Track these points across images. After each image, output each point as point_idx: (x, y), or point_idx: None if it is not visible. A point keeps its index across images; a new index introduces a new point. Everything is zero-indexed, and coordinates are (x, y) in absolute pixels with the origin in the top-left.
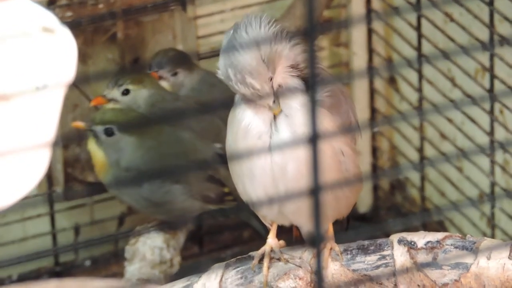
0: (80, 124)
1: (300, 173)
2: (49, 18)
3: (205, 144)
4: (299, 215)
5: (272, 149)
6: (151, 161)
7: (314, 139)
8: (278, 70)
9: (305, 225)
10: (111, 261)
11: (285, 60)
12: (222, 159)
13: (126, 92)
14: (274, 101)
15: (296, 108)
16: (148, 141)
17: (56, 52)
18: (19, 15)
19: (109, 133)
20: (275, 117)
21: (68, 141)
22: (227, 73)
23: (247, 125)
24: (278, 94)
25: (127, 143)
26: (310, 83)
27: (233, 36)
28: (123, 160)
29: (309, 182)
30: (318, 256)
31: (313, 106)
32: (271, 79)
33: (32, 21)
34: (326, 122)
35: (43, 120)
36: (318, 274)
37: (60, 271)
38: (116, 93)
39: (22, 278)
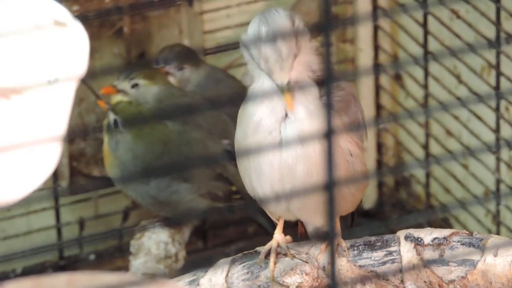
0: (103, 104)
1: (309, 172)
2: (61, 12)
3: (215, 141)
4: (305, 211)
5: (283, 146)
6: (143, 160)
7: (329, 135)
8: (299, 60)
9: (311, 221)
10: (115, 256)
11: (305, 55)
12: (231, 155)
13: (135, 86)
14: (288, 83)
15: (308, 109)
16: (145, 141)
17: (68, 45)
18: (31, 8)
19: (115, 124)
20: (287, 115)
21: (74, 135)
22: (259, 31)
23: (259, 120)
24: (293, 88)
25: (124, 138)
26: (326, 79)
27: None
28: (117, 153)
29: (323, 178)
30: (332, 251)
31: (328, 103)
32: (294, 57)
33: (44, 14)
34: (337, 124)
35: (54, 114)
36: (331, 268)
37: (65, 265)
38: (126, 85)
39: (27, 272)
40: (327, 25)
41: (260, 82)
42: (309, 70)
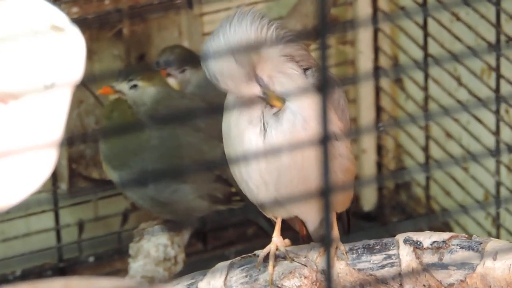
0: (110, 91)
1: (294, 158)
2: (59, 16)
3: (212, 145)
4: (296, 205)
5: (266, 134)
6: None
7: (325, 140)
8: (265, 65)
9: (304, 216)
10: (115, 258)
11: (274, 54)
12: None
13: (134, 87)
14: (264, 93)
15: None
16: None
17: (65, 50)
18: (28, 12)
19: None
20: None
21: (72, 142)
22: (212, 77)
23: (240, 111)
24: (269, 85)
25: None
26: (321, 83)
27: (211, 42)
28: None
29: (309, 164)
30: (328, 255)
31: (324, 107)
32: (254, 77)
33: (41, 19)
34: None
35: (51, 118)
36: (327, 273)
37: (64, 268)
38: (124, 86)
39: (26, 274)
40: (323, 30)
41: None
42: (291, 63)
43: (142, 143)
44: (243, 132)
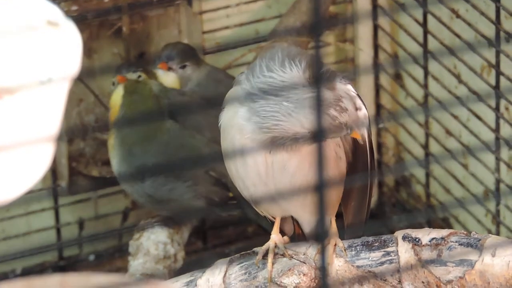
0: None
1: (300, 166)
2: (54, 12)
3: (210, 148)
4: (293, 205)
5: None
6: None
7: (319, 135)
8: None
9: (301, 216)
10: (115, 256)
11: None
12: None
13: (139, 77)
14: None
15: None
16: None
17: (61, 45)
18: (24, 8)
19: None
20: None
21: (73, 135)
22: None
23: (238, 123)
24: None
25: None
26: (316, 79)
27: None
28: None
29: (314, 178)
30: (323, 251)
31: (318, 103)
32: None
33: (37, 14)
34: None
35: (47, 113)
36: (322, 269)
37: (64, 266)
38: (132, 75)
39: (26, 272)
40: (317, 26)
41: (243, 86)
42: None
43: (151, 134)
44: (244, 144)
